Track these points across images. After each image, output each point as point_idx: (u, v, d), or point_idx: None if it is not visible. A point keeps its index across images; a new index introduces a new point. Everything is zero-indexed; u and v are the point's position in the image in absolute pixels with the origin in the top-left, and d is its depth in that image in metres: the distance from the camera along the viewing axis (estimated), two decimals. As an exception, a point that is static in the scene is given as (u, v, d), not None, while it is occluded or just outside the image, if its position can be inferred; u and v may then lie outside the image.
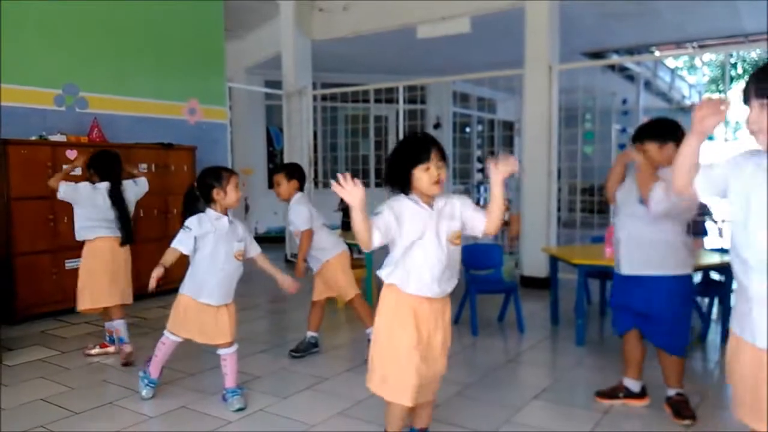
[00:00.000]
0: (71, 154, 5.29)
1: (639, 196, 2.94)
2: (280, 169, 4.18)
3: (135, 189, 4.26)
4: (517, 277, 6.41)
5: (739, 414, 1.83)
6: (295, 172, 4.09)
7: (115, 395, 3.45)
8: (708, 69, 18.79)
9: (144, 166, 5.96)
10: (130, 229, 4.10)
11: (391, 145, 10.75)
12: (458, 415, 3.09)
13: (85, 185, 4.02)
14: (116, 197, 4.02)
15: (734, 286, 1.89)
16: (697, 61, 17.75)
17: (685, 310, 3.09)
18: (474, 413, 3.15)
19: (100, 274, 4.00)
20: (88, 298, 4.03)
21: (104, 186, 4.03)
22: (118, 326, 4.06)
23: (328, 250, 4.07)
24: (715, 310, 4.80)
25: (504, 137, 13.80)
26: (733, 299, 1.92)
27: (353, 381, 3.64)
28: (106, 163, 4.08)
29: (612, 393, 3.28)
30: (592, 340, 4.53)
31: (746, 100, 1.70)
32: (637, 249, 3.01)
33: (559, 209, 6.64)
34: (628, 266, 3.06)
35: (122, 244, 4.07)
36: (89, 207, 3.99)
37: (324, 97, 9.25)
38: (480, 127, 13.39)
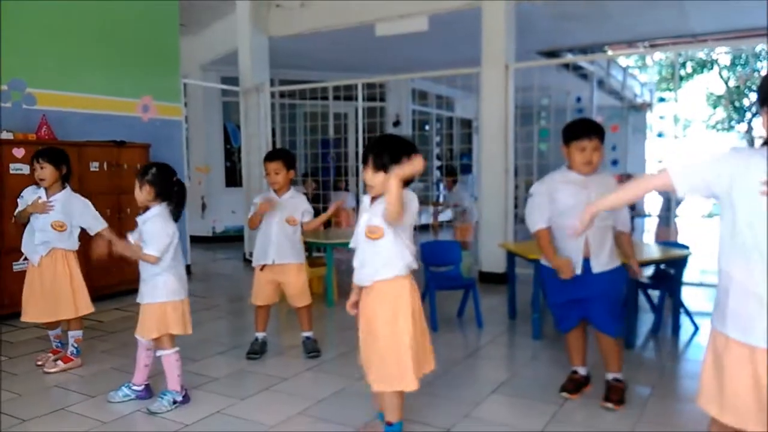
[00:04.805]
0: (18, 152, 5.11)
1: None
2: (281, 156, 3.95)
3: (81, 205, 3.83)
4: (475, 272, 6.49)
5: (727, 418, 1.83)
6: (293, 163, 3.96)
7: (67, 401, 3.35)
8: (658, 68, 19.41)
9: (96, 164, 5.80)
10: None
11: (351, 142, 10.74)
12: (418, 411, 3.10)
13: (28, 190, 3.79)
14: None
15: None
16: (648, 60, 18.31)
17: (622, 293, 3.35)
18: (434, 409, 3.17)
19: (38, 288, 3.77)
20: (31, 312, 3.82)
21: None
22: (72, 335, 3.88)
23: (299, 254, 4.07)
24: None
25: (462, 135, 13.94)
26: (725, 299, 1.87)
27: (313, 380, 3.62)
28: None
29: (576, 387, 3.33)
30: (548, 333, 4.62)
31: None
32: (603, 249, 3.08)
33: (516, 206, 6.74)
34: (598, 266, 3.07)
35: None
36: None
37: (282, 94, 9.15)
38: (439, 125, 13.49)
